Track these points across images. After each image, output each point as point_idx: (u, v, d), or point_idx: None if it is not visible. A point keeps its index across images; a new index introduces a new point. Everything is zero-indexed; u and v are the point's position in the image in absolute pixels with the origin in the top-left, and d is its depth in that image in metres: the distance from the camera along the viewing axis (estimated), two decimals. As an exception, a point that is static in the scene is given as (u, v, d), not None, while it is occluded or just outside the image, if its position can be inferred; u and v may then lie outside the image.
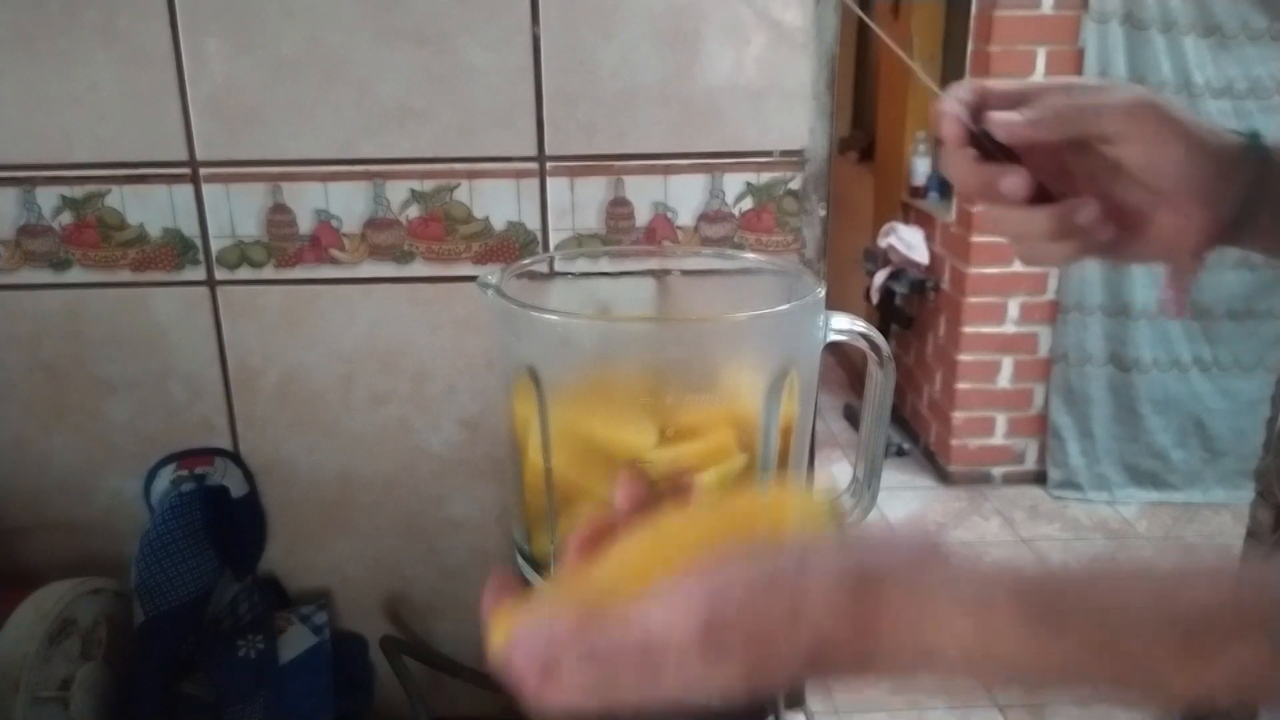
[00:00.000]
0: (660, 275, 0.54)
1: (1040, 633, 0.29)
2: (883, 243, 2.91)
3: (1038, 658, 0.29)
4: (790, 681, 0.32)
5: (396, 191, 0.59)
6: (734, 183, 0.59)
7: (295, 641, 0.59)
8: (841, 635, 0.29)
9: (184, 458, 0.61)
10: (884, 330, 2.39)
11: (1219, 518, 2.53)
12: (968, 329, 2.68)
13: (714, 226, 0.60)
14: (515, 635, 0.31)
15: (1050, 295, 2.65)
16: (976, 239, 2.59)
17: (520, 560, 0.50)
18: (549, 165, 0.58)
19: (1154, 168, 0.37)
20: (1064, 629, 0.29)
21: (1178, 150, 0.37)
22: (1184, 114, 0.38)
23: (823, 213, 0.60)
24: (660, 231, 0.59)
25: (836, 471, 2.65)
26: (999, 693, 0.32)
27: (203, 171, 0.58)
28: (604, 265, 0.56)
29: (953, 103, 0.38)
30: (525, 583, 0.32)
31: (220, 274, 0.59)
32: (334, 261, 0.59)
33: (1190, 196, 0.38)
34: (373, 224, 0.59)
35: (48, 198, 0.57)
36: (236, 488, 0.62)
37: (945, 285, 2.80)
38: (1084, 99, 0.37)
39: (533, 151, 0.57)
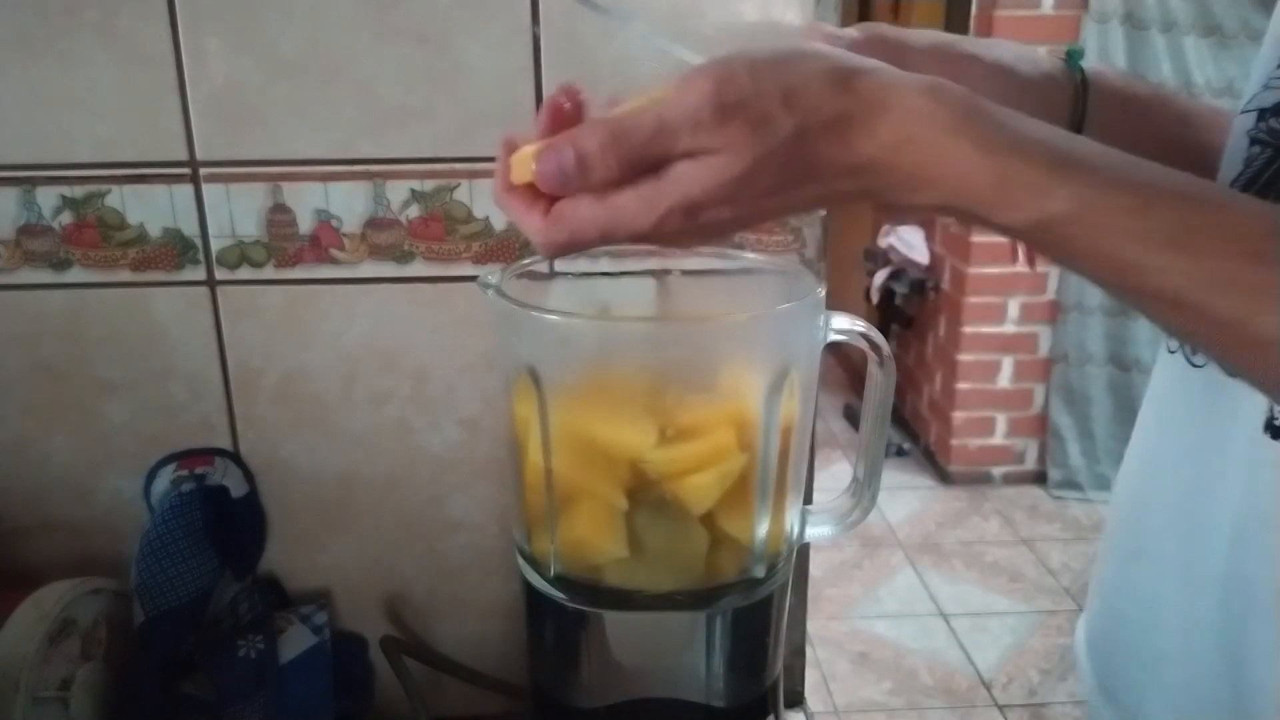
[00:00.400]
0: (660, 275, 0.54)
1: (1061, 173, 0.29)
2: (883, 242, 2.91)
3: (1056, 200, 0.29)
4: (792, 200, 0.31)
5: (397, 191, 0.59)
6: (734, 183, 0.59)
7: (295, 641, 0.59)
8: (833, 120, 0.29)
9: (184, 458, 0.61)
10: (884, 330, 2.39)
11: (1219, 518, 2.52)
12: (968, 329, 2.69)
13: (714, 226, 0.59)
14: (542, 150, 0.32)
15: (1050, 295, 2.65)
16: (977, 239, 2.60)
17: (521, 560, 0.50)
18: (549, 165, 0.58)
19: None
20: (1093, 176, 0.29)
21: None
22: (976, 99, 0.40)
23: (823, 212, 0.60)
24: (660, 231, 0.59)
25: (836, 471, 2.65)
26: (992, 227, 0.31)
27: (203, 171, 0.58)
28: (604, 265, 0.56)
29: None
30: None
31: (220, 274, 0.59)
32: (334, 261, 0.60)
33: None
34: (373, 224, 0.59)
35: (48, 198, 0.57)
36: (236, 488, 0.62)
37: (945, 285, 2.80)
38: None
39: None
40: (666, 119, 0.30)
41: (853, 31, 0.42)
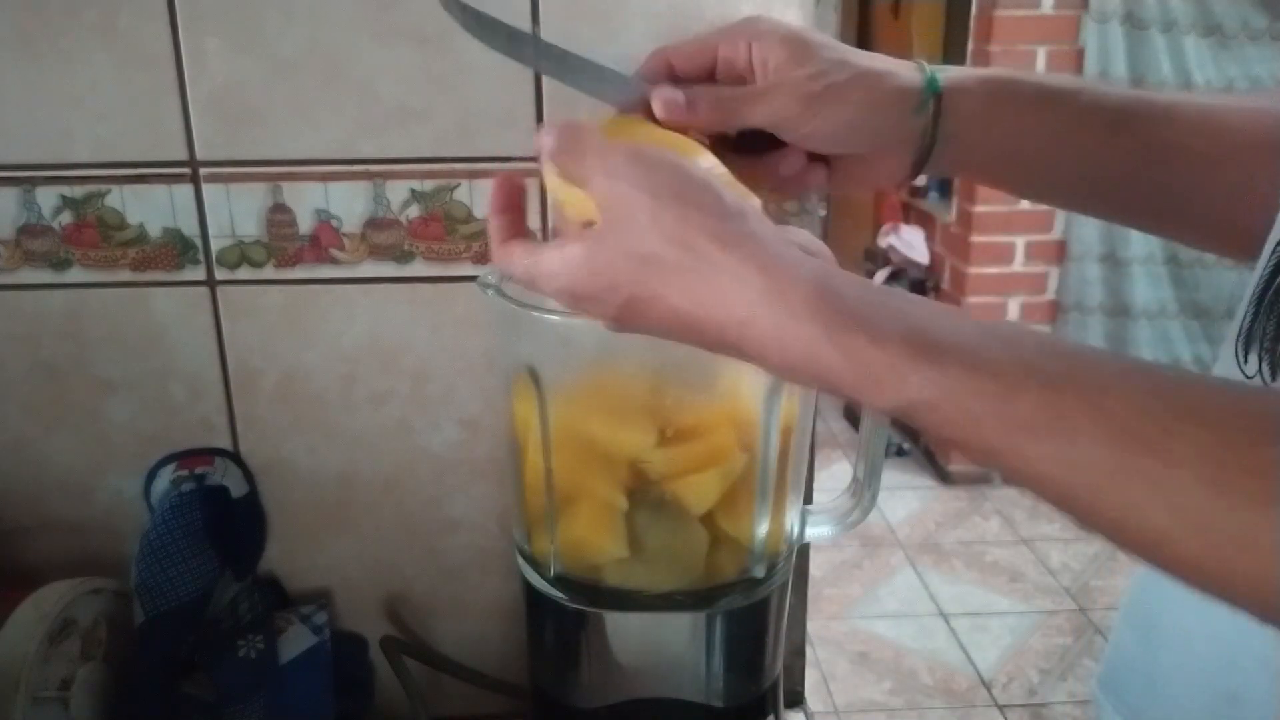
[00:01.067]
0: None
1: (844, 337, 0.28)
2: (883, 242, 2.91)
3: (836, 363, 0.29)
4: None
5: (396, 191, 0.59)
6: (734, 183, 0.59)
7: (295, 641, 0.59)
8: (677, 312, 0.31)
9: (184, 458, 0.61)
10: (884, 330, 2.38)
11: (1219, 518, 2.53)
12: (967, 329, 2.67)
13: (714, 226, 0.59)
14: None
15: (1050, 295, 2.65)
16: (976, 239, 2.60)
17: (521, 560, 0.50)
18: (549, 165, 0.58)
19: (830, 139, 0.41)
20: (951, 360, 0.27)
21: (848, 119, 0.40)
22: (845, 84, 0.41)
23: (823, 213, 0.60)
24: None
25: (836, 471, 2.65)
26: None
27: (203, 171, 0.58)
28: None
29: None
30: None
31: (220, 274, 0.59)
32: (334, 261, 0.60)
33: (875, 149, 0.42)
34: (373, 224, 0.59)
35: (47, 197, 0.57)
36: (236, 488, 0.62)
37: (945, 285, 2.80)
38: (734, 97, 0.40)
39: (533, 152, 0.57)
40: (536, 279, 0.35)
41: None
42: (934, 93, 0.42)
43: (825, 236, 0.61)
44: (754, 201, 0.37)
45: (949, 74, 0.43)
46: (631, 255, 0.32)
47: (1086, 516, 0.27)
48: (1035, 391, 0.26)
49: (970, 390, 0.27)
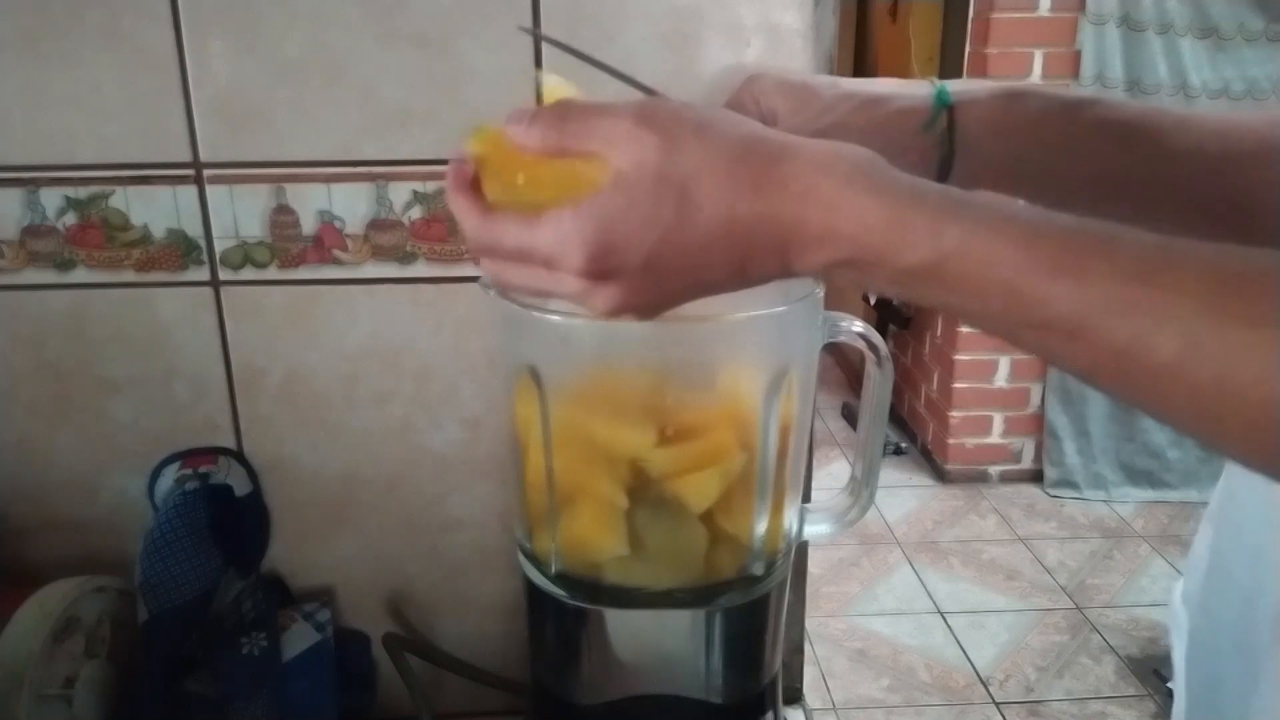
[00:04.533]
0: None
1: (956, 229, 0.30)
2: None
3: (957, 259, 0.30)
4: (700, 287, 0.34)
5: (399, 193, 0.59)
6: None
7: (298, 639, 0.60)
8: (742, 202, 0.31)
9: (188, 457, 0.62)
10: (882, 330, 2.39)
11: (1215, 517, 2.53)
12: (965, 329, 2.69)
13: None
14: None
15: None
16: (974, 239, 2.59)
17: (522, 558, 0.50)
18: (550, 167, 0.58)
19: None
20: (981, 214, 0.30)
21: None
22: (849, 115, 0.42)
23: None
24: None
25: (835, 470, 2.65)
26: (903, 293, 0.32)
27: (206, 173, 0.58)
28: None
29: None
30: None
31: (224, 274, 0.60)
32: (337, 262, 0.60)
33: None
34: (375, 225, 0.59)
35: (52, 198, 0.58)
36: (240, 486, 0.62)
37: (943, 285, 2.79)
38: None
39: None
40: (536, 248, 0.33)
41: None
42: (944, 105, 0.43)
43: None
44: None
45: (959, 87, 0.44)
46: (678, 176, 0.32)
47: (1094, 349, 0.29)
48: (1055, 237, 0.29)
49: (999, 236, 0.29)
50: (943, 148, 0.43)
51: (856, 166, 0.31)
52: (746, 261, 0.33)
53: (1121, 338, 0.27)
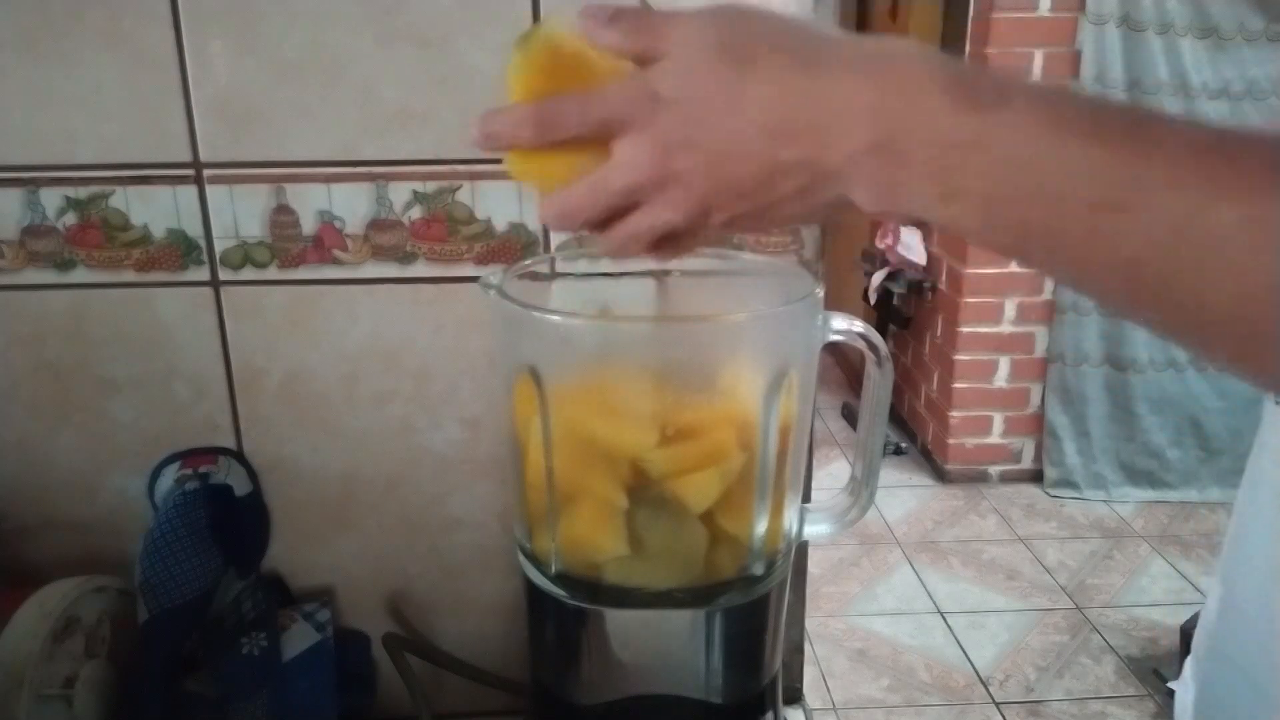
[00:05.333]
0: (660, 276, 0.54)
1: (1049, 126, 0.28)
2: (880, 243, 2.92)
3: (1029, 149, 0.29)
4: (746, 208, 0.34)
5: (399, 193, 0.59)
6: (733, 184, 0.59)
7: (298, 639, 0.60)
8: (791, 98, 0.31)
9: (188, 457, 0.62)
10: (882, 330, 2.40)
11: (1215, 516, 2.54)
12: (965, 329, 2.69)
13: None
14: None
15: (1047, 295, 2.66)
16: (974, 239, 2.59)
17: (522, 558, 0.50)
18: (550, 167, 0.58)
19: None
20: (1043, 89, 0.29)
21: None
22: None
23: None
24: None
25: (835, 470, 2.65)
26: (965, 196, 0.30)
27: (206, 173, 0.58)
28: (605, 266, 0.56)
29: None
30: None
31: (224, 274, 0.60)
32: (337, 262, 0.60)
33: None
34: (375, 225, 0.60)
35: (51, 198, 0.58)
36: (240, 486, 0.62)
37: (942, 285, 2.81)
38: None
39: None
40: (608, 186, 0.34)
41: None
42: None
43: (823, 239, 0.62)
44: None
45: None
46: (739, 43, 0.32)
47: (1151, 219, 0.27)
48: (1118, 112, 0.29)
49: (1064, 100, 0.29)
50: None
51: (936, 69, 0.30)
52: (784, 138, 0.32)
53: (1179, 208, 0.27)
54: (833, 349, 0.49)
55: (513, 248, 0.60)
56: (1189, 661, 0.55)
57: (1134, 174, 0.27)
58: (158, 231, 0.59)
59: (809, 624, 2.00)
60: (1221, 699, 0.51)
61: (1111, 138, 0.28)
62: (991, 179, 0.29)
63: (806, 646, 1.72)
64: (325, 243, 0.60)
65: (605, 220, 0.36)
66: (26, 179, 0.57)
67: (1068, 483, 2.64)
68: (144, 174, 0.58)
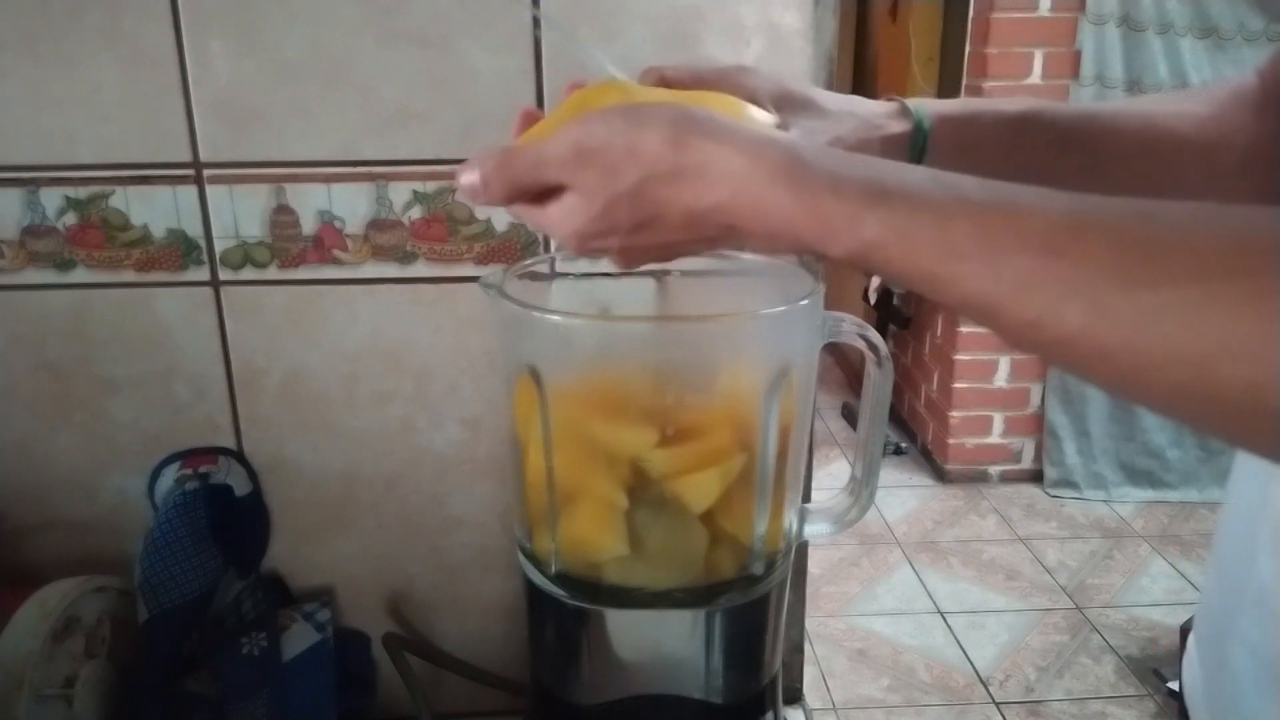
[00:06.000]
0: (660, 276, 0.54)
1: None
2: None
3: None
4: (660, 240, 0.36)
5: (399, 193, 0.59)
6: (733, 184, 0.59)
7: (298, 639, 0.60)
8: (669, 174, 0.33)
9: (188, 457, 0.62)
10: (882, 330, 2.40)
11: (1215, 516, 2.54)
12: (965, 329, 2.69)
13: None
14: (463, 165, 0.38)
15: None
16: (974, 239, 2.59)
17: (522, 558, 0.50)
18: (550, 167, 0.58)
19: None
20: (898, 201, 0.31)
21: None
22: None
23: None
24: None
25: (835, 470, 2.65)
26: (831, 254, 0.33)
27: (206, 173, 0.58)
28: (605, 266, 0.56)
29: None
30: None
31: (224, 274, 0.60)
32: (337, 262, 0.60)
33: None
34: (375, 225, 0.60)
35: (51, 198, 0.58)
36: (240, 486, 0.62)
37: (943, 285, 2.79)
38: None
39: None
40: (543, 154, 0.35)
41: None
42: (924, 134, 0.45)
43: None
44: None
45: (926, 112, 0.46)
46: (624, 184, 0.34)
47: (1010, 324, 0.30)
48: (967, 220, 0.30)
49: (914, 224, 0.30)
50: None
51: (776, 167, 0.32)
52: (705, 241, 0.36)
53: (1032, 311, 0.28)
54: (833, 349, 0.49)
55: (513, 248, 0.61)
56: (1191, 640, 0.55)
57: (987, 286, 0.29)
58: (158, 231, 0.59)
59: (809, 624, 2.00)
60: (1227, 681, 0.51)
61: (966, 249, 0.29)
62: (886, 277, 0.33)
63: (806, 646, 1.72)
64: (325, 243, 0.60)
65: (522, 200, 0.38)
66: (26, 179, 0.57)
67: (1068, 483, 2.64)
68: (144, 174, 0.58)
